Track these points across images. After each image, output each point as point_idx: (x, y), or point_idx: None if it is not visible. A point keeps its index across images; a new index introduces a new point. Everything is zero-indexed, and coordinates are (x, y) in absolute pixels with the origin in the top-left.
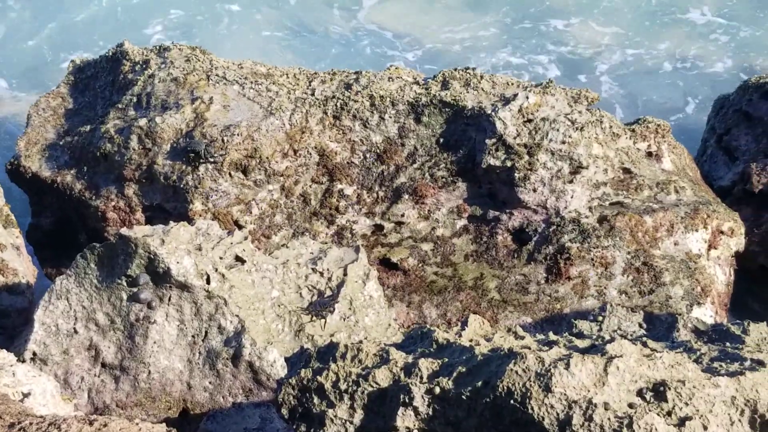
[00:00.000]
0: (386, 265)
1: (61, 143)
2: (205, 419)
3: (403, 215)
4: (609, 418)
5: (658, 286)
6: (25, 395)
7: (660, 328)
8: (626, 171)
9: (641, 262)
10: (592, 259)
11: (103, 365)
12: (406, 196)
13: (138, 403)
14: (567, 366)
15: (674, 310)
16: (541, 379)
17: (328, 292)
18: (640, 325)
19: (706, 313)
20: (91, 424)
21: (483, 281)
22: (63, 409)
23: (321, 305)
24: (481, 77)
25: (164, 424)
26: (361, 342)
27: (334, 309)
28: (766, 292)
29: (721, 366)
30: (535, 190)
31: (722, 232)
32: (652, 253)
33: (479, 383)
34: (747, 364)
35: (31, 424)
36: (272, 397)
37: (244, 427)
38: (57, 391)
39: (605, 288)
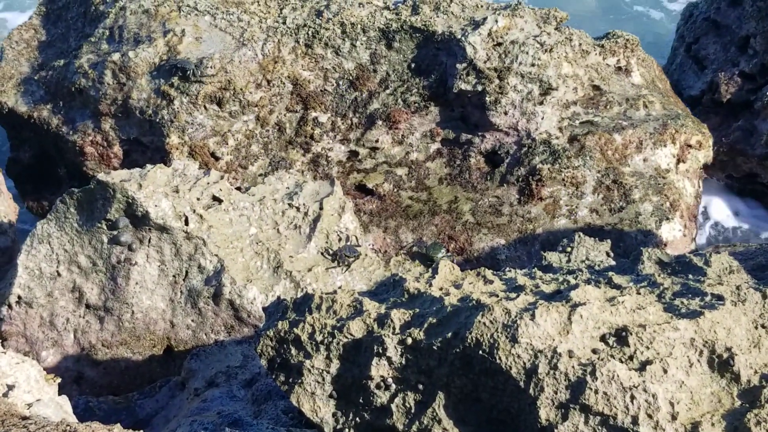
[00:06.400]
0: (362, 190)
1: (36, 78)
2: (188, 357)
3: (377, 141)
4: (573, 366)
5: (628, 203)
6: (10, 387)
7: (627, 257)
8: (596, 88)
9: (611, 180)
10: (563, 179)
11: (87, 306)
12: (380, 122)
13: (123, 342)
14: (532, 317)
15: (643, 226)
16: (508, 330)
17: (305, 227)
18: (608, 254)
19: (675, 228)
20: None
21: (457, 204)
22: (47, 393)
23: (350, 251)
24: (451, 0)
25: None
26: (335, 292)
27: (359, 255)
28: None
29: (682, 303)
30: (506, 113)
31: (690, 146)
32: (622, 170)
33: (449, 334)
34: (707, 299)
35: None
36: (253, 334)
37: (227, 364)
38: (41, 375)
39: (576, 207)
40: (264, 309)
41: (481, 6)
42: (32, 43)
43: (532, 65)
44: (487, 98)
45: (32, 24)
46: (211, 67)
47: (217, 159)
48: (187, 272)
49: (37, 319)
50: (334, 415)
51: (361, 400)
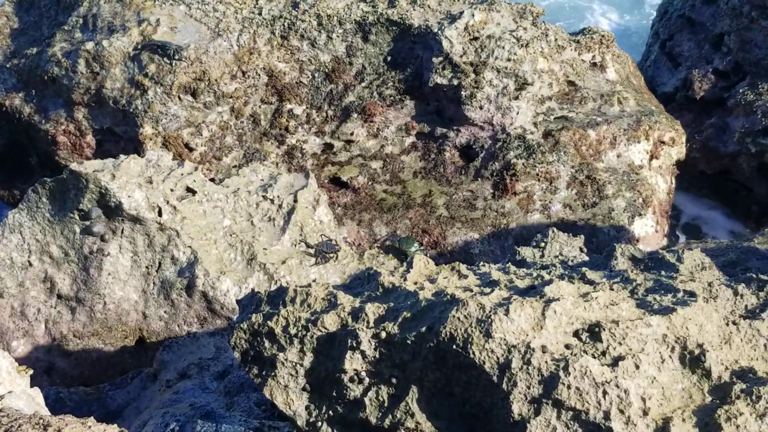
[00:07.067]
0: (336, 183)
1: (8, 66)
2: (161, 349)
3: (352, 133)
4: (546, 361)
5: (601, 199)
6: None
7: (600, 253)
8: (571, 84)
9: (585, 176)
10: (537, 174)
11: (59, 297)
12: (355, 115)
13: (95, 332)
14: (506, 312)
15: (616, 222)
16: (482, 325)
17: (279, 219)
18: (581, 249)
19: (647, 224)
20: (45, 429)
21: (431, 198)
22: (19, 384)
23: (328, 247)
24: None
25: (116, 425)
26: (309, 286)
27: (338, 251)
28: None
29: (654, 299)
30: (481, 108)
31: (663, 142)
32: (596, 166)
33: (423, 329)
34: (680, 295)
35: None
36: (226, 326)
37: (200, 356)
38: (12, 367)
39: (550, 202)
40: (238, 301)
41: (458, 0)
42: (4, 31)
43: (508, 60)
44: (462, 92)
45: (4, 11)
46: (186, 57)
47: (191, 150)
48: (160, 263)
49: (7, 309)
50: (307, 408)
51: (334, 394)
